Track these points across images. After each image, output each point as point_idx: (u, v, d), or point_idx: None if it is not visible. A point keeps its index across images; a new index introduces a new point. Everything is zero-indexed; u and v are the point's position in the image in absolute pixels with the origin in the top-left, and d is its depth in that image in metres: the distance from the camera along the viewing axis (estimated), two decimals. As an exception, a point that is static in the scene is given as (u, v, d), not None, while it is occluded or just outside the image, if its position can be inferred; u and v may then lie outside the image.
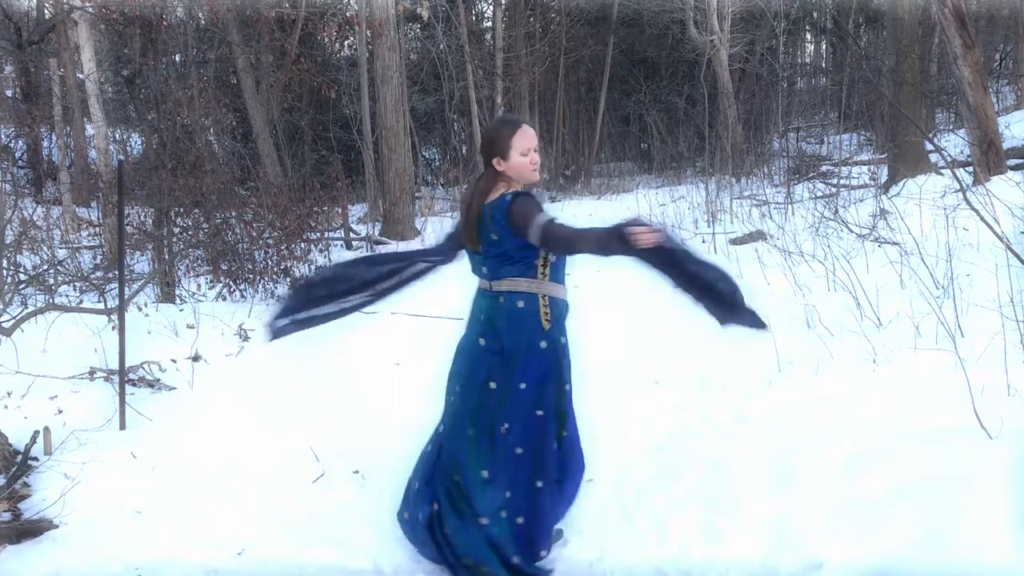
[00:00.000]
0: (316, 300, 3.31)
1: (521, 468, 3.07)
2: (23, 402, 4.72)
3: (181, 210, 8.28)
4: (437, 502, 3.14)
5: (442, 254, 3.36)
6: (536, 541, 3.11)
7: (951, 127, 14.51)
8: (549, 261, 3.05)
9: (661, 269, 2.91)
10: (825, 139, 17.14)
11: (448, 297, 6.82)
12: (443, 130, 18.29)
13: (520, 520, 3.06)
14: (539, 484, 3.09)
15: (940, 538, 2.88)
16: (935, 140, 10.59)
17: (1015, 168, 9.28)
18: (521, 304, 3.04)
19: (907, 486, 3.23)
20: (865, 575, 2.84)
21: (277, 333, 3.29)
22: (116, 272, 5.00)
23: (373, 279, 3.31)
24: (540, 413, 3.07)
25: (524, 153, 3.01)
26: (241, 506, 3.74)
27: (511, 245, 2.98)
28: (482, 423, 3.09)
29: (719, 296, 2.96)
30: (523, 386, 3.04)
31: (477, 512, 3.04)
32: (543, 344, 3.05)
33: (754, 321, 3.02)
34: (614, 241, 2.77)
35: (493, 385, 3.08)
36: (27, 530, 3.46)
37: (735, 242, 8.86)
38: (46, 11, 16.01)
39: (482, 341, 3.11)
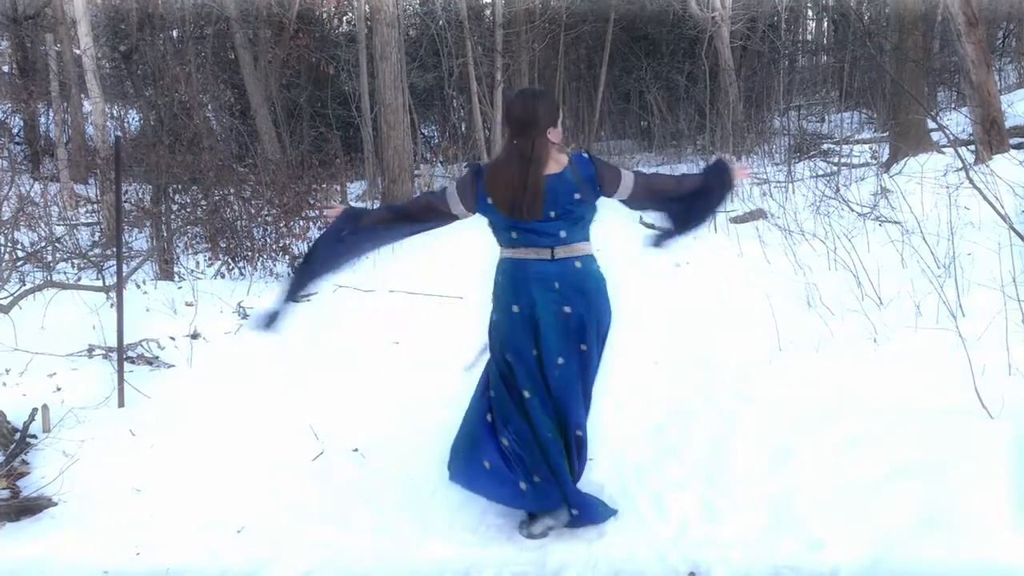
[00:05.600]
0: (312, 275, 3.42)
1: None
2: (21, 379, 4.71)
3: (179, 187, 8.23)
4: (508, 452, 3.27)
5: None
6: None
7: (953, 105, 14.42)
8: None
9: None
10: (826, 117, 17.03)
11: (446, 276, 6.84)
12: (442, 107, 18.17)
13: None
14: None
15: (940, 518, 2.88)
16: (937, 118, 10.52)
17: (1017, 147, 9.23)
18: (596, 266, 3.24)
19: (907, 466, 3.23)
20: (864, 554, 2.84)
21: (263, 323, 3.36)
22: (114, 249, 4.97)
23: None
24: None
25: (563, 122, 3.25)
26: (240, 484, 3.74)
27: (590, 205, 3.16)
28: (583, 384, 3.27)
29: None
30: (599, 342, 3.29)
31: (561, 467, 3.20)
32: (610, 299, 3.29)
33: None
34: (713, 181, 3.12)
35: (584, 347, 3.21)
36: (26, 508, 3.45)
37: (736, 220, 8.82)
38: (41, -15, 15.87)
39: (567, 309, 3.16)
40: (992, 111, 8.75)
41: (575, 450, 3.26)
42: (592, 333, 3.20)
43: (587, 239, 3.23)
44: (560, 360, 3.18)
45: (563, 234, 3.13)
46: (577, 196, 3.09)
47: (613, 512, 3.31)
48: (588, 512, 3.24)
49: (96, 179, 11.88)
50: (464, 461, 3.29)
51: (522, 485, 3.18)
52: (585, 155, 3.18)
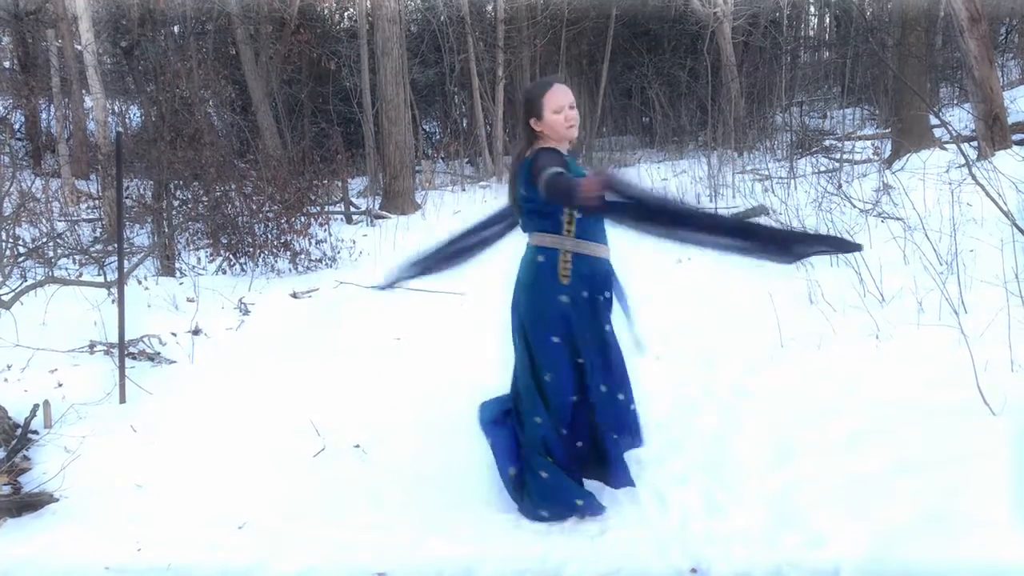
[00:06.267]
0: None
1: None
2: (23, 375, 4.71)
3: (180, 183, 8.23)
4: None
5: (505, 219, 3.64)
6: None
7: (956, 101, 14.40)
8: (575, 217, 3.12)
9: (668, 232, 3.03)
10: (828, 113, 17.00)
11: (448, 273, 6.83)
12: (444, 103, 18.15)
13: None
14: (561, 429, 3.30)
15: (941, 514, 2.87)
16: (940, 114, 10.50)
17: (1020, 143, 9.21)
18: (541, 259, 3.15)
19: (909, 462, 3.22)
20: (866, 550, 2.84)
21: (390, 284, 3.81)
22: (115, 245, 4.97)
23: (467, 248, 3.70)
24: (581, 361, 3.22)
25: (557, 111, 3.10)
26: (242, 480, 3.74)
27: (538, 200, 3.06)
28: (535, 379, 3.24)
29: (761, 239, 3.04)
30: (555, 340, 3.16)
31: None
32: (563, 299, 3.13)
33: (840, 245, 3.09)
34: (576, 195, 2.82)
35: (521, 338, 3.26)
36: (27, 503, 3.46)
37: (738, 216, 8.81)
38: (43, -19, 15.86)
39: (512, 297, 3.30)
40: (995, 107, 8.74)
41: (541, 446, 3.25)
42: (518, 324, 3.25)
43: (544, 231, 3.14)
44: (517, 345, 3.32)
45: (521, 223, 3.28)
46: (522, 191, 3.16)
47: (602, 508, 3.32)
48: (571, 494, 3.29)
49: (97, 175, 11.87)
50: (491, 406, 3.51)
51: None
52: (535, 150, 3.13)
